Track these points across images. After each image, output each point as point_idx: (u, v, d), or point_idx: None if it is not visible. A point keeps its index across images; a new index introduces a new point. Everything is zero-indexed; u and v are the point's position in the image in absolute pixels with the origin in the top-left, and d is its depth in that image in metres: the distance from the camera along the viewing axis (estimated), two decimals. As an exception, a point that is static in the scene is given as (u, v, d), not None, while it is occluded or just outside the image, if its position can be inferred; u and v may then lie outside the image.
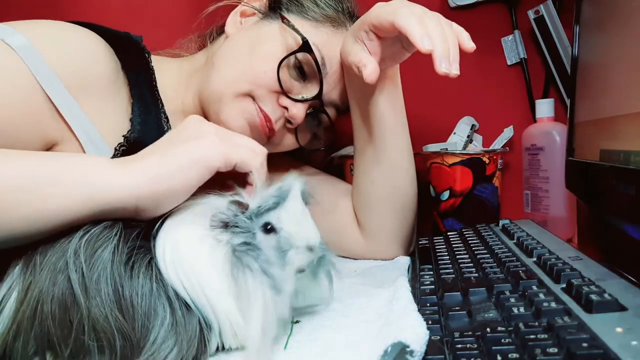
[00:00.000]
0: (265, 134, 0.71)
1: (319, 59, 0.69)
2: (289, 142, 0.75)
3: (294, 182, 0.49)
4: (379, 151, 0.73)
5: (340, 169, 0.99)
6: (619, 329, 0.35)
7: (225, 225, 0.46)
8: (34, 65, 0.56)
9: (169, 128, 0.70)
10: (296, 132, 0.74)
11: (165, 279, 0.44)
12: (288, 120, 0.71)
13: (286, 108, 0.70)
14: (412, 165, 0.77)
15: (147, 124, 0.66)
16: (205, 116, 0.72)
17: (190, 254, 0.45)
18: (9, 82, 0.55)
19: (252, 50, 0.70)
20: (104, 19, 0.75)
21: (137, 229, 0.46)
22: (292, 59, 0.69)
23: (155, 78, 0.71)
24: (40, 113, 0.58)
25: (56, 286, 0.41)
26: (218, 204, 0.47)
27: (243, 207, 0.47)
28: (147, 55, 0.72)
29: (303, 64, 0.70)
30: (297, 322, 0.51)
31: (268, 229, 0.47)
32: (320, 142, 0.81)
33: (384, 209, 0.75)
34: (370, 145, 0.74)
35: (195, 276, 0.44)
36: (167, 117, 0.71)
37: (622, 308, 0.39)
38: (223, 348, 0.46)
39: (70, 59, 0.61)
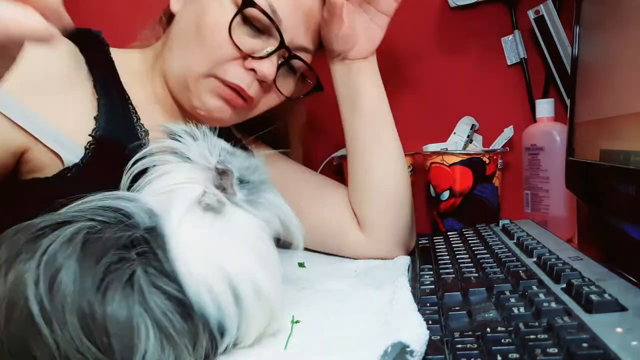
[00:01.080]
0: (242, 105, 0.69)
1: (266, 9, 0.65)
2: (272, 98, 0.73)
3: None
4: (366, 127, 0.76)
5: (340, 169, 0.99)
6: (619, 329, 0.35)
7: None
8: None
9: (138, 119, 0.69)
10: (276, 86, 0.71)
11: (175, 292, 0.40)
12: (262, 81, 0.69)
13: (254, 70, 0.67)
14: (401, 153, 0.78)
15: (114, 119, 0.65)
16: (179, 104, 0.72)
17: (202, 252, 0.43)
18: None
19: (198, 25, 0.66)
20: (104, 18, 0.75)
21: (122, 237, 0.40)
22: (240, 18, 0.66)
23: (117, 71, 0.69)
24: (1, 132, 0.57)
25: (11, 323, 0.36)
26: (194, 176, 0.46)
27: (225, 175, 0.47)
28: (106, 47, 0.70)
29: (254, 19, 0.66)
30: (297, 322, 0.51)
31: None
32: (306, 87, 0.78)
33: (379, 199, 0.76)
34: (357, 120, 0.76)
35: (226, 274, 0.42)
36: (134, 109, 0.69)
37: (622, 308, 0.39)
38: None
39: (18, 71, 0.60)
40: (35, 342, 0.35)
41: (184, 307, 0.40)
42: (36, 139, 0.59)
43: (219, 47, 0.65)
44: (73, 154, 0.61)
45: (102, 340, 0.36)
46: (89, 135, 0.63)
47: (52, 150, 0.60)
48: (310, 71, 0.75)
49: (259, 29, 0.67)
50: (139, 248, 0.41)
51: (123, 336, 0.37)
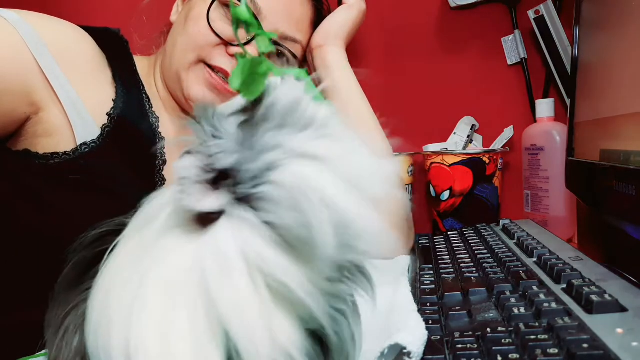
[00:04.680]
0: (231, 93, 0.71)
1: None
2: None
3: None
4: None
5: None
6: (619, 330, 0.35)
7: None
8: (25, 33, 0.58)
9: (151, 107, 0.72)
10: None
11: None
12: None
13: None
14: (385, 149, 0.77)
15: (129, 102, 0.68)
16: (178, 103, 0.75)
17: None
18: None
19: (186, 21, 0.71)
20: (104, 18, 0.76)
21: None
22: (222, 10, 0.70)
23: (135, 63, 0.73)
24: (28, 72, 0.58)
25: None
26: None
27: None
28: (126, 44, 0.73)
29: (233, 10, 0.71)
30: (297, 322, 0.51)
31: None
32: None
33: None
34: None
35: None
36: (148, 98, 0.73)
37: (623, 309, 0.39)
38: None
39: (58, 35, 0.63)
40: None
41: None
42: (57, 99, 0.61)
43: (202, 35, 0.70)
44: (86, 128, 0.63)
45: None
46: (107, 114, 0.65)
47: (66, 115, 0.62)
48: (295, 60, 0.77)
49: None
50: None
51: None
